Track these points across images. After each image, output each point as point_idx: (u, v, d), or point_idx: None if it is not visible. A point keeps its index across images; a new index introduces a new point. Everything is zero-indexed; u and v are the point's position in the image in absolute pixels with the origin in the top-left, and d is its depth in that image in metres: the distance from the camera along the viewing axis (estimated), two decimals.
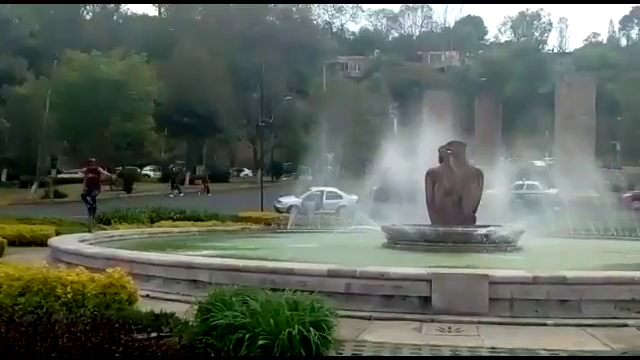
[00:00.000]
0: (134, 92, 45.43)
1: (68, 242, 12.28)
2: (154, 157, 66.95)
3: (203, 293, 6.77)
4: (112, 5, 71.06)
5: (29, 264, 7.98)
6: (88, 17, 67.80)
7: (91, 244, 12.39)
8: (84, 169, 19.28)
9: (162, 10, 73.66)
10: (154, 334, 5.94)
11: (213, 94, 54.88)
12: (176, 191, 46.83)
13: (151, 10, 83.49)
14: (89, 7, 68.76)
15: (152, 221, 19.91)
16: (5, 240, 14.02)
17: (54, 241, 12.90)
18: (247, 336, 5.54)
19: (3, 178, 54.89)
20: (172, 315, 6.43)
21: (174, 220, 20.11)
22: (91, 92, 42.88)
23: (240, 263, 8.82)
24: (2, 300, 6.89)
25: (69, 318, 5.99)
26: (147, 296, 8.17)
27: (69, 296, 6.91)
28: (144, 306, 7.04)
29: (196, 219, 20.55)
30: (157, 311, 6.54)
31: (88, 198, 17.59)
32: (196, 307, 6.17)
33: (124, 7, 73.35)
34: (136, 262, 9.37)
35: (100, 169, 18.31)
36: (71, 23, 57.82)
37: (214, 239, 15.69)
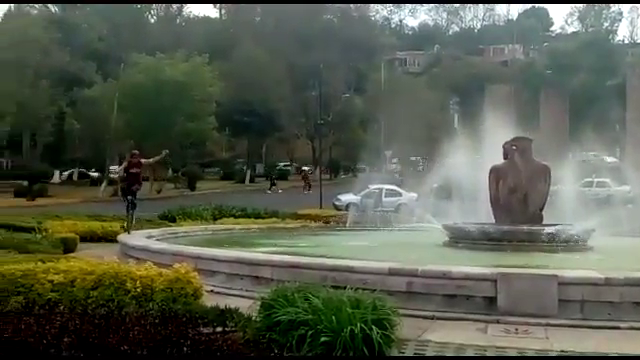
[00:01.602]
0: (197, 93, 46.46)
1: (136, 238, 12.70)
2: (216, 156, 68.32)
3: (265, 289, 6.85)
4: (175, 9, 72.91)
5: (100, 259, 8.29)
6: (152, 21, 69.84)
7: (158, 240, 12.76)
8: (125, 163, 15.96)
9: (222, 12, 75.04)
10: (219, 329, 6.07)
11: (272, 93, 55.52)
12: (274, 187, 48.10)
13: (212, 12, 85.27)
14: (153, 11, 70.82)
15: (215, 218, 20.35)
16: (77, 236, 14.67)
17: (123, 237, 13.35)
18: (309, 333, 5.57)
19: (74, 177, 57.33)
20: (236, 310, 6.53)
21: (236, 217, 20.47)
22: (156, 93, 44.13)
23: (301, 260, 8.88)
24: (76, 293, 7.20)
25: (139, 311, 6.20)
26: (211, 291, 8.35)
27: (138, 290, 7.17)
28: (209, 301, 7.20)
29: (257, 216, 20.84)
30: (221, 306, 6.66)
31: (129, 196, 15.29)
32: (259, 303, 6.25)
33: (186, 10, 75.16)
34: (201, 258, 9.60)
35: (143, 161, 15.71)
36: (136, 27, 59.67)
37: (275, 236, 15.86)
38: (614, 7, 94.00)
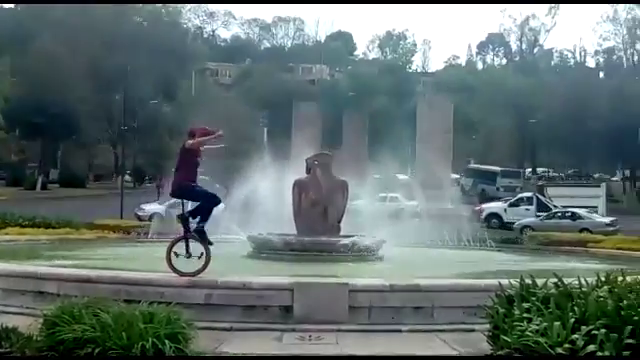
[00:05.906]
0: None
1: None
2: (3, 159, 61.82)
3: (50, 306, 6.41)
4: None
5: None
6: None
7: None
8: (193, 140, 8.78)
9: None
10: None
11: (71, 93, 51.90)
12: None
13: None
14: None
15: None
16: None
17: None
18: (97, 351, 5.38)
19: None
20: (14, 330, 6.08)
21: (22, 227, 18.71)
22: None
23: (92, 273, 8.40)
24: None
25: None
26: None
27: None
28: None
29: (47, 226, 19.30)
30: None
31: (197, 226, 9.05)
32: (41, 320, 5.90)
33: None
34: None
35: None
36: None
37: (66, 248, 14.78)
38: (410, 38, 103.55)
